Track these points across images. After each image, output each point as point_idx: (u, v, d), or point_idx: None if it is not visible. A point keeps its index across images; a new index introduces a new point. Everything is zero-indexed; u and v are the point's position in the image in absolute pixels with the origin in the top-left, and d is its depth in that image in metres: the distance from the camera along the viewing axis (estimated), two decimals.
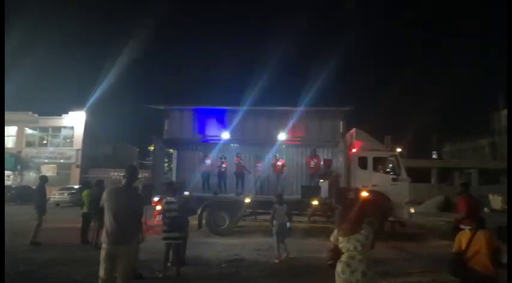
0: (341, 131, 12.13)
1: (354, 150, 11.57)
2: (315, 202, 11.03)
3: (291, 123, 12.38)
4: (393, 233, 11.15)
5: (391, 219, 11.04)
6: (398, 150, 12.02)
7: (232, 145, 13.43)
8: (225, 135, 12.53)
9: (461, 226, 5.17)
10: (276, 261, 7.53)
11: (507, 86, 6.24)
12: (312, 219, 11.55)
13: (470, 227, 3.90)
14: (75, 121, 29.81)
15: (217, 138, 12.69)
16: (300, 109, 12.50)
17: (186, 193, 10.25)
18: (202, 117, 13.01)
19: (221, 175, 12.69)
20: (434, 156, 40.41)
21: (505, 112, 36.38)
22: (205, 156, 12.86)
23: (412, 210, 11.31)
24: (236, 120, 12.66)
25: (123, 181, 4.02)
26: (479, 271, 3.76)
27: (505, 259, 3.59)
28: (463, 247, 3.78)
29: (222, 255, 8.13)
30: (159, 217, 8.63)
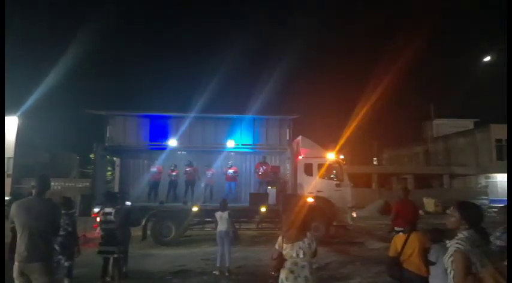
0: (288, 138, 12.38)
1: (300, 157, 11.87)
2: (263, 209, 11.11)
3: (239, 131, 12.41)
4: (337, 237, 11.56)
5: (335, 223, 11.45)
6: (342, 157, 12.54)
7: (179, 152, 13.13)
8: (172, 143, 12.22)
9: (396, 229, 5.48)
10: (215, 272, 7.26)
11: (507, 87, 6.64)
12: (260, 226, 11.63)
13: (403, 230, 4.13)
14: (6, 127, 27.38)
15: (163, 145, 12.33)
16: (249, 116, 12.57)
17: (128, 203, 9.79)
18: (147, 124, 12.55)
19: (172, 184, 12.35)
20: (374, 163, 42.80)
21: (436, 122, 39.72)
22: (151, 164, 12.43)
23: (355, 214, 11.82)
24: (184, 127, 12.39)
25: (33, 192, 3.61)
26: (413, 271, 4.00)
27: (432, 258, 3.83)
28: (399, 250, 3.99)
29: (167, 267, 7.85)
30: (98, 230, 8.14)
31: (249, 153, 13.33)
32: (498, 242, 3.99)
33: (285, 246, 3.30)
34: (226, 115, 12.96)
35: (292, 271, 3.21)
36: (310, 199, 10.93)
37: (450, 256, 2.41)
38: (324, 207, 11.08)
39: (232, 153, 13.07)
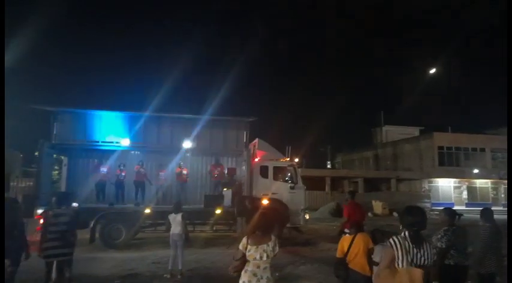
0: (245, 140, 12.44)
1: (256, 160, 11.97)
2: (218, 211, 11.06)
3: (195, 132, 12.27)
4: (290, 239, 11.78)
5: (288, 225, 11.67)
6: (296, 160, 12.84)
7: (133, 152, 12.70)
8: (125, 142, 11.79)
9: (345, 231, 5.70)
10: (167, 276, 7.11)
11: (507, 87, 6.96)
12: (214, 228, 11.57)
13: (350, 231, 4.32)
14: None
15: (115, 144, 11.86)
16: (205, 117, 12.47)
17: (75, 204, 9.30)
18: (98, 122, 12.01)
19: (119, 184, 11.86)
20: (328, 166, 44.22)
21: (386, 128, 41.88)
22: (100, 164, 11.90)
23: (307, 216, 12.14)
24: (138, 126, 12.03)
25: None
26: (358, 271, 4.18)
27: (376, 259, 4.03)
28: (345, 251, 4.17)
29: (116, 271, 7.57)
30: (39, 232, 7.65)
31: (205, 154, 13.21)
32: (439, 244, 4.27)
33: (249, 247, 3.31)
34: (182, 115, 12.76)
35: (255, 274, 3.24)
36: (265, 201, 11.08)
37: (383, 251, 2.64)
38: (279, 209, 11.25)
39: (188, 154, 12.89)
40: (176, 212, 7.35)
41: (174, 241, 7.22)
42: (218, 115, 12.96)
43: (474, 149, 35.47)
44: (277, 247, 3.39)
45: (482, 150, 35.55)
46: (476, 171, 33.83)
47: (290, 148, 12.69)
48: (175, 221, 7.25)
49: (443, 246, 4.20)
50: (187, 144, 12.12)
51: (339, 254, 4.26)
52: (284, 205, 11.40)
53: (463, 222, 4.64)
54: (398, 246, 2.61)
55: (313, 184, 29.13)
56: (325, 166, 42.70)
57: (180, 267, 7.16)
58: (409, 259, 2.57)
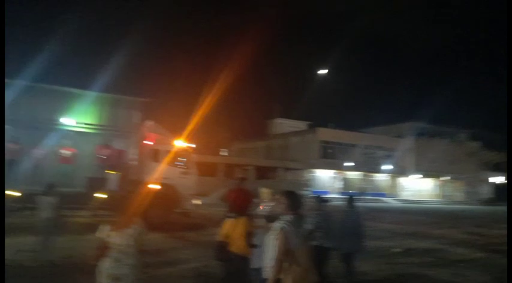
0: (136, 121, 11.87)
1: (147, 143, 11.54)
2: (102, 195, 10.39)
3: (81, 108, 11.22)
4: (178, 223, 11.76)
5: (178, 210, 11.62)
6: (190, 145, 12.78)
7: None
8: None
9: (229, 215, 5.97)
10: (35, 265, 6.50)
11: (507, 87, 7.33)
12: (96, 213, 10.83)
13: (232, 215, 4.55)
14: None
15: None
16: (94, 93, 11.49)
17: None
18: None
19: None
20: (223, 154, 45.08)
21: (278, 121, 44.51)
22: None
23: (197, 202, 12.26)
24: (8, 96, 10.42)
25: None
26: (237, 253, 4.43)
27: (258, 242, 4.34)
28: (226, 234, 4.37)
29: None
30: None
31: (91, 133, 12.20)
32: (310, 226, 4.85)
33: (111, 233, 3.20)
34: (65, 88, 11.51)
35: (117, 260, 3.15)
36: (154, 186, 10.80)
37: (276, 235, 2.85)
38: (168, 193, 11.10)
39: (71, 132, 11.73)
40: (48, 194, 6.67)
41: (45, 227, 6.56)
42: (109, 92, 12.07)
43: (349, 145, 40.32)
44: (143, 230, 3.35)
45: (356, 146, 40.67)
46: (349, 164, 38.51)
47: (185, 133, 12.55)
48: (47, 204, 6.59)
49: (311, 228, 4.78)
50: (69, 120, 11.01)
51: (220, 238, 4.45)
52: (174, 190, 11.29)
53: (330, 208, 5.31)
54: (291, 229, 2.84)
55: (206, 170, 29.39)
56: (219, 153, 43.42)
57: (51, 256, 6.55)
58: (299, 241, 2.85)
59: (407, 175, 42.94)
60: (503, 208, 35.42)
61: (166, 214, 11.00)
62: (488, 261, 8.59)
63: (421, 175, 42.77)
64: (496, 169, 50.72)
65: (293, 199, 3.05)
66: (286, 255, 2.77)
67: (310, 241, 4.83)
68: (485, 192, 49.13)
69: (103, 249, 3.17)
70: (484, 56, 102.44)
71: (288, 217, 2.92)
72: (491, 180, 49.92)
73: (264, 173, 36.63)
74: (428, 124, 44.62)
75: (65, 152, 11.31)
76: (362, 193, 35.57)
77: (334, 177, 39.88)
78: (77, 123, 11.18)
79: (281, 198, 3.08)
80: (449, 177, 45.07)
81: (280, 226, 2.89)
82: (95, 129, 11.74)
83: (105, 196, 10.40)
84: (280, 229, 2.87)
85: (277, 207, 3.08)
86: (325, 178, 39.11)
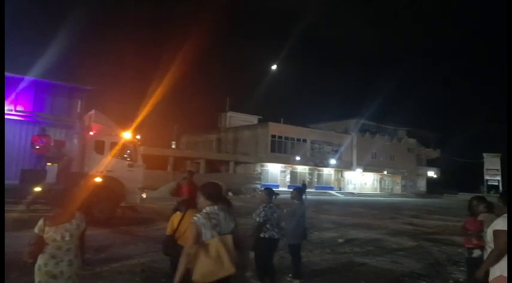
0: (79, 110, 11.15)
1: (91, 133, 10.90)
2: (39, 189, 9.65)
3: (14, 93, 10.29)
4: (125, 218, 11.30)
5: (123, 204, 11.15)
6: (137, 137, 12.30)
7: None
8: None
9: (178, 208, 5.83)
10: None
11: (507, 87, 7.24)
12: (32, 208, 10.05)
13: (180, 209, 4.42)
14: None
15: None
16: (30, 78, 10.58)
17: None
18: None
19: None
20: (173, 146, 44.09)
21: (230, 114, 44.36)
22: None
23: (144, 195, 11.85)
24: None
25: None
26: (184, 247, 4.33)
27: None
28: (175, 227, 4.25)
29: None
30: None
31: (26, 122, 11.24)
32: (257, 218, 4.88)
33: (47, 229, 2.97)
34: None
35: (53, 256, 2.94)
36: (98, 179, 10.26)
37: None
38: (113, 187, 10.59)
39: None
40: None
41: None
42: (47, 78, 11.19)
43: (298, 139, 41.38)
44: (83, 224, 3.16)
45: (304, 141, 41.86)
46: (298, 158, 39.54)
47: (132, 124, 12.04)
48: None
49: (261, 220, 4.81)
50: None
51: (168, 231, 4.31)
52: (119, 183, 10.79)
53: (279, 201, 5.38)
54: (204, 220, 2.80)
55: (155, 163, 28.58)
56: (169, 146, 42.40)
57: None
58: (218, 230, 2.81)
59: (351, 170, 45.11)
60: (434, 201, 38.70)
61: (111, 208, 10.51)
62: (422, 249, 9.27)
63: (362, 170, 45.16)
64: (431, 165, 55.13)
65: (210, 191, 3.01)
66: (197, 247, 2.75)
67: (259, 233, 4.88)
68: (421, 186, 53.21)
69: (39, 245, 2.93)
70: (421, 60, 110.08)
71: (206, 209, 2.89)
72: (428, 174, 54.21)
73: (214, 166, 36.42)
74: (370, 121, 47.16)
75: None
76: (310, 186, 36.77)
77: (284, 171, 40.76)
78: (9, 109, 10.24)
79: (200, 190, 3.05)
80: (387, 172, 48.12)
81: (192, 219, 2.85)
82: (31, 117, 10.83)
83: (40, 189, 9.66)
84: (190, 222, 2.84)
85: (199, 203, 3.04)
86: (274, 171, 39.82)
